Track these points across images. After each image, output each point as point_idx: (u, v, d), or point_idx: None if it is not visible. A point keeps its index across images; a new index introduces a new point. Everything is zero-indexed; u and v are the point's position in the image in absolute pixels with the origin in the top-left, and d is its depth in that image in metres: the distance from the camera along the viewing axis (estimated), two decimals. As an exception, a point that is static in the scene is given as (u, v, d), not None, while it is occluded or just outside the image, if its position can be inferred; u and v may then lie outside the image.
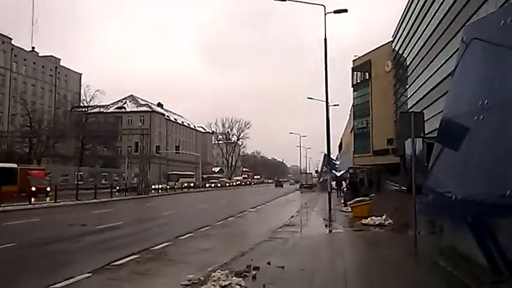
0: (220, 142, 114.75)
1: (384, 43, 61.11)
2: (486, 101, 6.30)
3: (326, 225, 15.19)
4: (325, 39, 19.53)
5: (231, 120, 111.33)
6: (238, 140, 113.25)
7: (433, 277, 6.94)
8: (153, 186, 48.54)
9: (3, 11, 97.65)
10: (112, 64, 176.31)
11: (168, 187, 53.33)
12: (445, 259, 7.38)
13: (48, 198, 29.70)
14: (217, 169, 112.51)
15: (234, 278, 6.11)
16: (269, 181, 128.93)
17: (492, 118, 6.07)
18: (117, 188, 40.19)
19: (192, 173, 74.58)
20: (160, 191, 48.85)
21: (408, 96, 49.35)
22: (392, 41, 58.47)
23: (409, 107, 45.72)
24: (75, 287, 6.72)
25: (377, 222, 13.87)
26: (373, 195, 25.56)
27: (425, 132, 10.38)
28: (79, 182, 43.62)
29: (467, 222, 6.93)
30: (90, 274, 7.36)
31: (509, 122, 5.68)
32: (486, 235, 6.54)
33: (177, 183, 58.63)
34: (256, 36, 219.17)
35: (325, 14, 19.17)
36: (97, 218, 18.02)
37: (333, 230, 13.57)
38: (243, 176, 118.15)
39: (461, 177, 6.89)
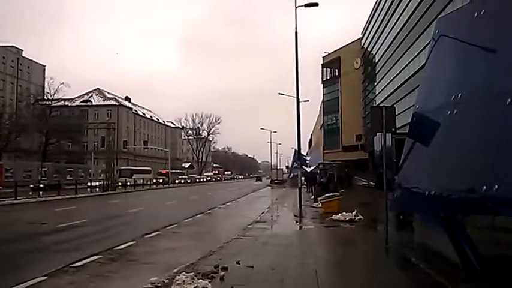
0: (190, 137, 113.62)
1: (353, 40, 61.82)
2: (459, 95, 6.18)
3: (297, 222, 15.02)
4: (296, 33, 19.37)
5: (202, 115, 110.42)
6: (208, 135, 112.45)
7: (406, 274, 6.82)
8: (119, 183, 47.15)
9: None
10: (78, 57, 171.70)
11: (135, 183, 52.08)
12: (417, 256, 7.27)
13: None
14: (187, 165, 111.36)
15: (200, 280, 5.76)
16: (240, 177, 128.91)
17: (466, 112, 5.94)
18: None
19: (149, 169, 67.98)
20: (127, 187, 47.70)
21: (376, 93, 50.11)
22: (362, 38, 59.19)
23: (377, 103, 46.38)
24: (28, 292, 6.22)
25: (347, 218, 13.79)
26: (342, 190, 25.69)
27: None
28: (43, 178, 42.13)
29: (439, 218, 6.85)
30: (45, 277, 6.86)
31: (484, 116, 5.54)
32: (458, 231, 6.45)
33: (129, 179, 52.23)
34: (230, 34, 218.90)
35: (296, 8, 19.08)
36: (59, 216, 17.25)
37: (303, 227, 13.39)
38: (213, 171, 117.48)
39: (433, 172, 6.77)
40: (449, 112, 6.28)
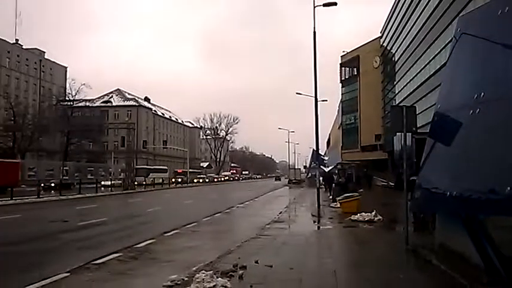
0: (208, 137, 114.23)
1: (372, 39, 61.16)
2: (482, 94, 6.06)
3: (315, 222, 14.96)
4: (314, 33, 19.35)
5: (220, 115, 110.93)
6: (226, 135, 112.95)
7: (427, 276, 6.72)
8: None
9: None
10: (100, 58, 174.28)
11: (154, 183, 52.57)
12: (438, 257, 7.16)
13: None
14: (205, 164, 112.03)
15: (219, 279, 5.80)
16: (257, 177, 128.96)
17: (489, 111, 5.82)
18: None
19: (165, 167, 67.12)
20: (146, 186, 48.29)
21: (396, 92, 49.47)
22: (381, 37, 58.51)
23: (396, 102, 45.79)
24: (51, 287, 6.36)
25: (366, 219, 13.67)
26: (361, 190, 25.48)
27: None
28: (64, 177, 43.00)
29: (460, 219, 6.73)
30: (68, 274, 7.01)
31: (507, 115, 5.42)
32: (480, 232, 6.32)
33: (146, 178, 52.30)
34: (248, 34, 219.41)
35: (315, 7, 19.06)
36: (80, 214, 17.55)
37: (322, 227, 13.32)
38: (231, 171, 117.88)
39: (455, 172, 6.66)
40: (471, 112, 6.17)
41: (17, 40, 63.24)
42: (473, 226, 6.32)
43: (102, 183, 43.68)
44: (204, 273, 5.89)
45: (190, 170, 75.83)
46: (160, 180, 53.81)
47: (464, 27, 7.57)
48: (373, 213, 13.97)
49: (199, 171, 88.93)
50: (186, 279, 6.13)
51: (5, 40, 59.34)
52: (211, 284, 5.52)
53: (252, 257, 7.73)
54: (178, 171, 72.50)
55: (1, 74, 58.18)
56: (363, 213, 14.17)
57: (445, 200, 6.45)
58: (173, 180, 62.01)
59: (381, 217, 13.73)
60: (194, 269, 6.85)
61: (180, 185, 60.13)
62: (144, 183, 48.12)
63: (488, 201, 5.55)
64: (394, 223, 12.99)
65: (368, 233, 11.99)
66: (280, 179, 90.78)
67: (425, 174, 7.47)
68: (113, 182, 44.45)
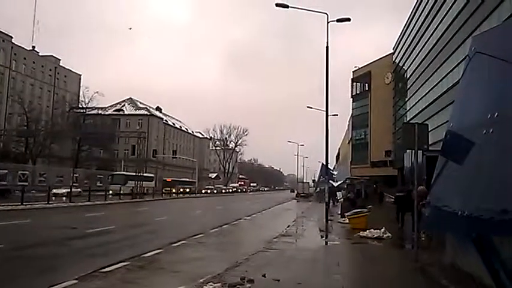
0: (217, 148, 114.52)
1: (384, 55, 61.22)
2: (496, 114, 6.03)
3: (323, 237, 14.86)
4: (327, 47, 19.43)
5: (229, 126, 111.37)
6: (236, 146, 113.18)
7: (436, 296, 6.63)
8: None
9: (5, 9, 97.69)
10: (112, 66, 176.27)
11: (163, 192, 52.45)
12: (447, 277, 7.06)
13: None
14: (213, 175, 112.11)
15: (227, 291, 5.79)
16: (265, 189, 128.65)
17: (502, 131, 5.78)
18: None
19: (151, 175, 58.55)
20: (154, 195, 48.32)
21: (407, 109, 49.28)
22: (393, 53, 58.55)
23: (407, 119, 45.61)
24: (60, 294, 6.40)
25: (375, 235, 13.53)
26: (370, 206, 25.25)
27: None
28: (74, 184, 43.17)
29: (471, 239, 6.63)
30: (76, 281, 7.02)
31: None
32: (492, 253, 6.23)
33: (123, 187, 43.80)
34: (261, 48, 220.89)
35: (328, 22, 19.19)
36: (89, 221, 17.65)
37: (330, 242, 13.22)
38: (239, 183, 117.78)
39: (466, 191, 6.58)
40: (484, 131, 6.13)
41: (33, 47, 64.50)
42: (485, 247, 6.23)
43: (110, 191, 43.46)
44: (211, 285, 5.90)
45: (177, 179, 68.29)
46: (145, 190, 46.05)
47: (479, 46, 7.54)
48: (382, 230, 13.83)
49: (191, 180, 74.93)
50: (193, 290, 6.13)
51: (21, 47, 60.49)
52: (219, 296, 5.51)
53: (260, 270, 7.70)
54: (167, 180, 63.22)
55: (17, 80, 59.22)
56: (372, 230, 14.03)
57: (456, 220, 6.36)
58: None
59: (390, 234, 13.60)
60: (201, 280, 6.83)
61: (188, 195, 60.12)
62: (120, 192, 40.36)
63: (500, 222, 5.48)
64: (403, 241, 12.86)
65: (377, 250, 11.86)
66: (294, 191, 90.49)
67: (436, 192, 7.38)
68: (122, 190, 41.43)
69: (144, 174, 53.68)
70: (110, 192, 38.88)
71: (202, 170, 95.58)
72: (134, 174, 47.19)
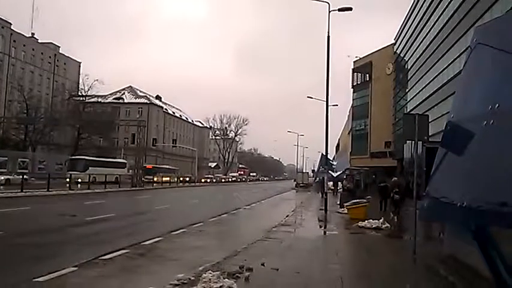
0: (217, 137, 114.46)
1: (386, 45, 60.85)
2: (497, 105, 6.01)
3: (321, 226, 14.93)
4: (328, 37, 19.30)
5: (229, 116, 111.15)
6: (235, 136, 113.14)
7: (434, 287, 6.67)
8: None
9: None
10: (112, 54, 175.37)
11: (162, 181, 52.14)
12: (445, 267, 7.10)
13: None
14: (213, 164, 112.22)
15: (226, 279, 5.82)
16: (265, 179, 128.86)
17: (503, 123, 5.76)
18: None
19: (124, 161, 53.29)
20: (155, 184, 48.39)
21: (408, 100, 49.13)
22: (394, 44, 58.21)
23: (408, 110, 45.45)
24: (59, 280, 6.42)
25: (374, 226, 13.58)
26: (369, 197, 25.33)
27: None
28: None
29: (469, 230, 6.65)
30: (76, 268, 7.06)
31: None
32: (490, 245, 6.24)
33: (83, 174, 38.25)
34: (262, 38, 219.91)
35: (329, 12, 19.04)
36: (88, 209, 17.71)
37: (328, 232, 13.29)
38: (239, 172, 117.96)
39: (466, 183, 6.56)
40: (485, 122, 6.12)
41: (32, 34, 63.98)
42: (483, 238, 6.25)
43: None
44: (210, 273, 5.92)
45: (160, 166, 63.66)
46: (113, 179, 40.40)
47: (481, 37, 7.49)
48: (381, 220, 13.88)
49: (172, 168, 66.35)
50: (192, 278, 6.16)
51: (21, 34, 60.04)
52: (218, 285, 5.54)
53: (259, 259, 7.74)
54: (148, 166, 54.44)
55: (16, 67, 58.88)
56: (371, 220, 14.08)
57: (455, 210, 6.33)
58: (181, 178, 59.41)
59: (388, 225, 13.65)
60: (201, 268, 6.88)
61: (187, 184, 60.20)
62: (79, 180, 34.98)
63: (500, 213, 5.49)
64: (401, 231, 12.91)
65: (375, 240, 11.91)
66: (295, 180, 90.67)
67: (435, 183, 7.35)
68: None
69: (114, 160, 52.94)
70: (67, 180, 32.73)
71: (202, 159, 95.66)
72: (100, 159, 45.01)
